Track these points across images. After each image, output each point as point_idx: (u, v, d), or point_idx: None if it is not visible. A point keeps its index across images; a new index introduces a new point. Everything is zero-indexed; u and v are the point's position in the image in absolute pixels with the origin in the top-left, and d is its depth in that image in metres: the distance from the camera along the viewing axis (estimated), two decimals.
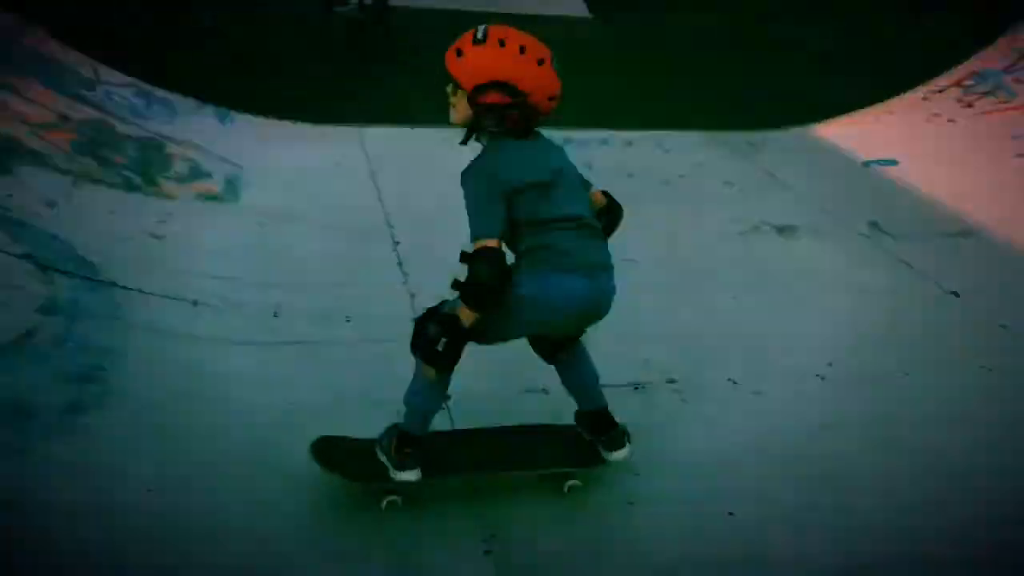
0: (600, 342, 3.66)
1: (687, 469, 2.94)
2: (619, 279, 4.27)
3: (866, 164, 6.18)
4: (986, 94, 6.63)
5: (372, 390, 3.13)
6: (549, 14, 12.92)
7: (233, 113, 5.98)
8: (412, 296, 3.99)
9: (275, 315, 3.64)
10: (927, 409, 3.39)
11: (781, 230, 5.08)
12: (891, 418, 3.30)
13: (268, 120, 6.15)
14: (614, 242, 2.79)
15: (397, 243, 4.53)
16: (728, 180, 5.88)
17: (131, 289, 3.49)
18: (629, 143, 6.56)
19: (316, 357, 3.44)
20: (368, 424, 2.70)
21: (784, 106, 8.24)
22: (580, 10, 13.22)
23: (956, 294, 4.36)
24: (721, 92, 9.43)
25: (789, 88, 9.89)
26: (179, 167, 4.82)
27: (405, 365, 2.55)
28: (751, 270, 4.58)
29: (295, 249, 4.31)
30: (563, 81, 2.48)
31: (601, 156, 6.22)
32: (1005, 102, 6.44)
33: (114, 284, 3.46)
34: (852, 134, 6.73)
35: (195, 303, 3.53)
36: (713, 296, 4.24)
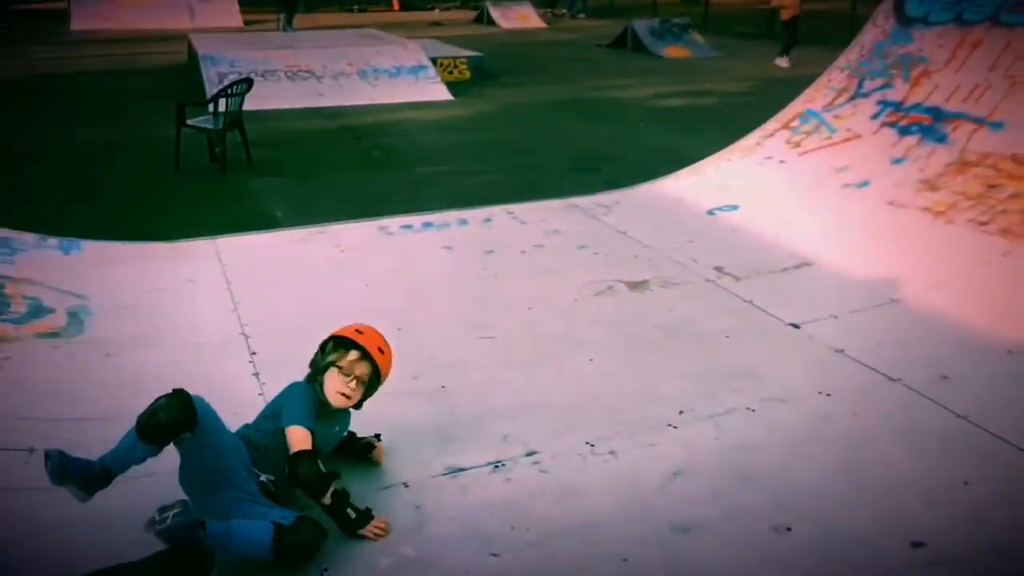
0: (459, 425, 3.73)
1: (549, 543, 2.97)
2: (479, 357, 4.35)
3: (710, 212, 6.50)
4: (810, 133, 7.09)
5: None
6: (417, 100, 13.46)
7: (81, 242, 5.86)
8: None
9: None
10: (773, 438, 3.55)
11: (634, 286, 5.26)
12: (738, 453, 3.44)
13: (119, 244, 6.05)
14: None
15: (254, 353, 4.48)
16: (583, 244, 6.06)
17: None
18: (488, 219, 6.70)
19: (168, 486, 3.33)
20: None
21: (634, 165, 8.66)
22: (444, 95, 13.79)
23: (796, 326, 4.60)
24: (572, 160, 9.84)
25: (640, 148, 10.38)
26: (17, 307, 4.67)
27: None
28: (606, 329, 4.71)
29: (144, 376, 4.20)
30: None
31: (460, 235, 6.36)
32: (828, 139, 6.89)
33: None
34: (696, 185, 7.08)
35: (31, 450, 3.39)
36: (570, 360, 4.33)
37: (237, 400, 3.98)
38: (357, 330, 3.17)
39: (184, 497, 2.77)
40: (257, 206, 7.98)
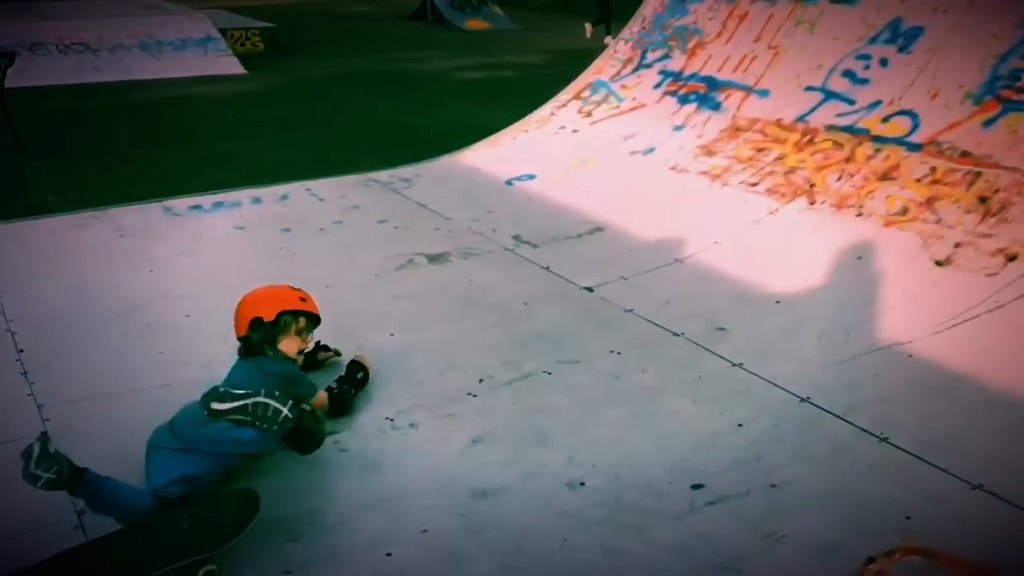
0: None
1: (348, 522, 2.93)
2: None
3: (508, 182, 6.60)
4: (600, 103, 7.34)
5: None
6: (207, 75, 12.76)
7: None
8: (40, 407, 3.61)
9: None
10: (568, 399, 3.67)
11: (434, 258, 5.26)
12: (535, 416, 3.54)
13: None
14: None
15: (21, 351, 4.10)
16: (383, 218, 5.99)
17: None
18: (284, 196, 6.48)
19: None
20: None
21: (435, 138, 8.65)
22: (236, 68, 13.21)
23: (590, 289, 4.77)
24: (372, 133, 9.70)
25: (440, 120, 10.37)
26: None
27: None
28: (407, 303, 4.68)
29: None
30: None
31: (255, 214, 6.11)
32: (616, 108, 7.17)
33: None
34: (495, 156, 7.17)
35: None
36: (371, 336, 4.27)
37: (4, 402, 3.66)
38: (301, 298, 3.51)
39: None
40: (26, 191, 7.30)
